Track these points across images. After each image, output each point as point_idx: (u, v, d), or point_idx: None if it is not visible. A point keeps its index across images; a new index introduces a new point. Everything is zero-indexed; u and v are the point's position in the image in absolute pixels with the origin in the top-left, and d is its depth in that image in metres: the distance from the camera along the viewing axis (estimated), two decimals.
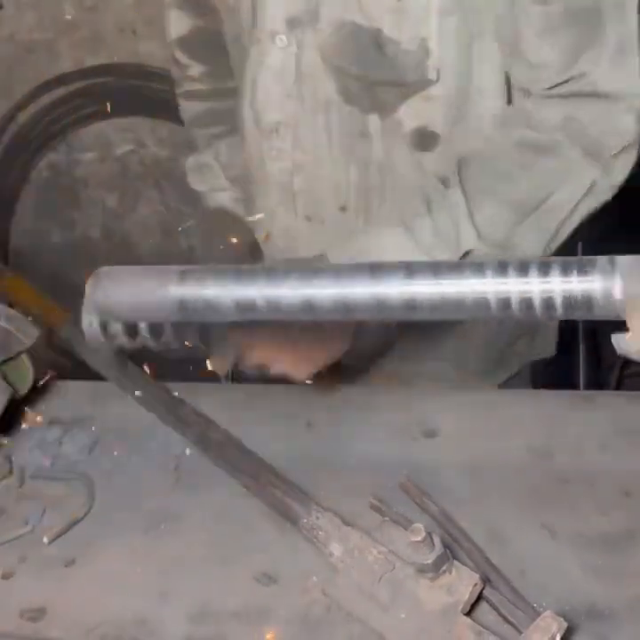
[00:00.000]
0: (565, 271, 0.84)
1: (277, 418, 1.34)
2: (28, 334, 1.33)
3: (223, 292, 0.94)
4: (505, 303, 0.85)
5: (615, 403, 1.31)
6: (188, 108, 1.76)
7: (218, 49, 1.59)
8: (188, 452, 1.29)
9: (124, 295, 0.99)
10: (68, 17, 2.99)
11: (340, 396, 1.38)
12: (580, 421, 1.26)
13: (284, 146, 1.44)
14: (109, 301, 0.99)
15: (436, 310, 0.86)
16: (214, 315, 0.97)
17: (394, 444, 1.27)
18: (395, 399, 1.36)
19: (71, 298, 1.51)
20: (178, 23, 1.67)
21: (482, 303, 0.85)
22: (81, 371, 1.41)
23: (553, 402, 1.32)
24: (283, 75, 1.39)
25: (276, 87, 1.41)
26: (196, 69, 1.70)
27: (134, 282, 1.00)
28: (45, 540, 1.17)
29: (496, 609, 1.00)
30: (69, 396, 1.42)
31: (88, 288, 1.00)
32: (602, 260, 0.84)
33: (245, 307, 0.93)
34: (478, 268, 0.86)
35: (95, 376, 1.44)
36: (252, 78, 1.44)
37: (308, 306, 0.89)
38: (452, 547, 1.07)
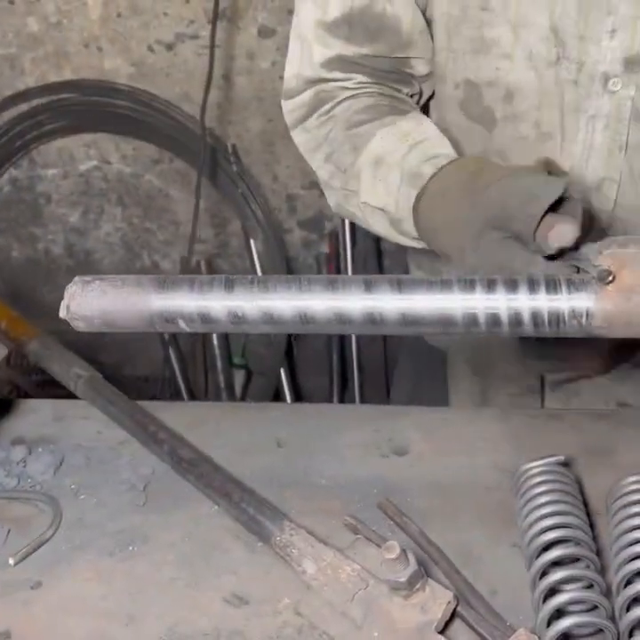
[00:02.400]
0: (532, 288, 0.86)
1: (247, 437, 1.33)
2: None
3: (197, 302, 0.92)
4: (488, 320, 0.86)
5: (582, 420, 1.31)
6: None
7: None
8: (156, 471, 1.26)
9: (102, 306, 0.96)
10: (33, 32, 2.96)
11: (309, 414, 1.38)
12: (547, 439, 1.26)
13: (605, 205, 1.24)
14: (86, 312, 0.96)
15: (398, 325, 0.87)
16: (192, 325, 0.95)
17: (365, 462, 1.27)
18: (364, 417, 1.35)
19: (33, 314, 1.50)
20: (325, 48, 1.37)
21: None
22: (45, 389, 1.38)
23: (521, 420, 1.32)
24: (613, 122, 1.19)
25: (602, 137, 1.20)
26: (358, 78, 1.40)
27: (112, 292, 0.98)
28: (11, 561, 1.14)
29: (471, 627, 0.99)
30: (33, 414, 1.39)
31: (65, 298, 0.97)
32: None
33: (229, 318, 0.91)
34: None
35: (60, 394, 1.42)
36: (561, 126, 1.22)
37: (305, 318, 0.87)
38: (427, 565, 1.06)
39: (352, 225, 3.02)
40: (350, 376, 3.13)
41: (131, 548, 1.16)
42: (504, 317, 0.85)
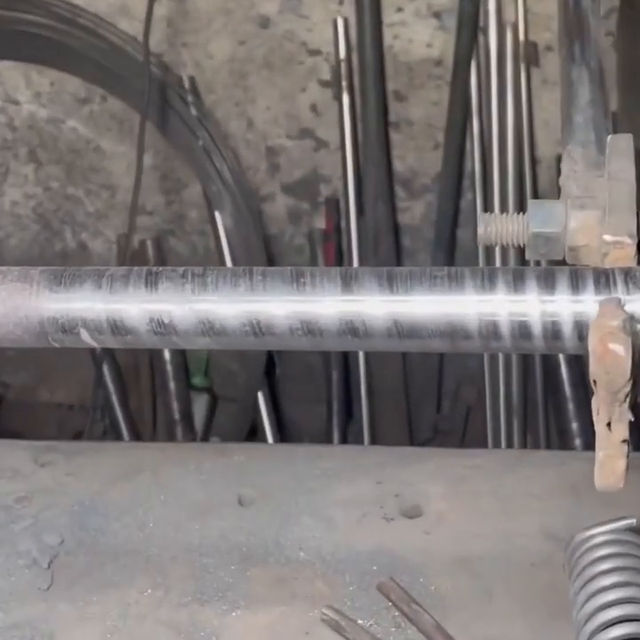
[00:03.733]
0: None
1: (197, 491, 1.34)
2: None
3: (107, 304, 0.91)
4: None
5: None
6: None
7: None
8: (66, 540, 1.27)
9: None
10: None
11: (282, 458, 1.38)
12: (617, 494, 1.27)
13: None
14: None
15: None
16: (100, 337, 0.94)
17: (361, 527, 1.27)
18: (361, 463, 1.36)
19: None
20: None
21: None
22: None
23: (580, 466, 1.33)
24: None
25: None
26: None
27: None
28: None
29: None
30: None
31: None
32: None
33: (151, 326, 0.91)
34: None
35: None
36: None
37: (257, 328, 0.88)
38: None
39: (358, 188, 3.03)
40: (356, 402, 3.13)
41: None
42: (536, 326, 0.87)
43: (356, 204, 3.05)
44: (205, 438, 3.26)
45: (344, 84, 2.99)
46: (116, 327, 0.90)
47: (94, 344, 0.92)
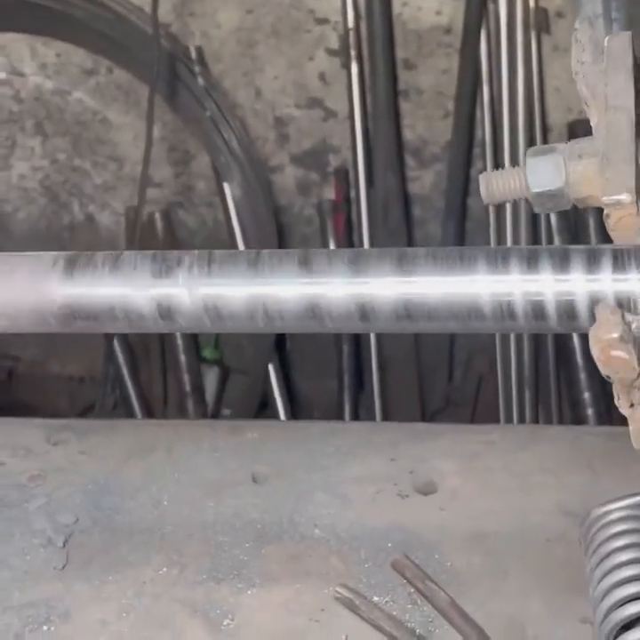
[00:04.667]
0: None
1: (211, 468, 1.34)
2: None
3: (124, 290, 0.92)
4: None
5: None
6: None
7: None
8: (80, 519, 1.28)
9: None
10: None
11: (296, 436, 1.39)
12: (634, 469, 1.26)
13: None
14: None
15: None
16: (112, 325, 0.95)
17: (376, 504, 1.28)
18: (374, 440, 1.36)
19: None
20: None
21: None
22: None
23: (596, 441, 1.33)
24: None
25: None
26: None
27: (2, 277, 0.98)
28: None
29: None
30: None
31: None
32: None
33: (166, 312, 0.92)
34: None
35: None
36: None
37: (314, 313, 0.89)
38: None
39: (367, 158, 3.02)
40: (367, 374, 3.13)
41: (46, 627, 1.17)
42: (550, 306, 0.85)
43: (365, 174, 3.04)
44: (216, 411, 3.27)
45: (352, 52, 2.97)
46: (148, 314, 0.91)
47: (117, 328, 0.93)
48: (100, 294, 0.92)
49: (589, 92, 0.98)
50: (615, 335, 0.83)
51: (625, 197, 0.88)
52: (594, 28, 1.02)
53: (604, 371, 0.85)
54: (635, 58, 0.99)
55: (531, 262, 0.88)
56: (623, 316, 0.84)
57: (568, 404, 3.03)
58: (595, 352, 0.84)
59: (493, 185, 0.98)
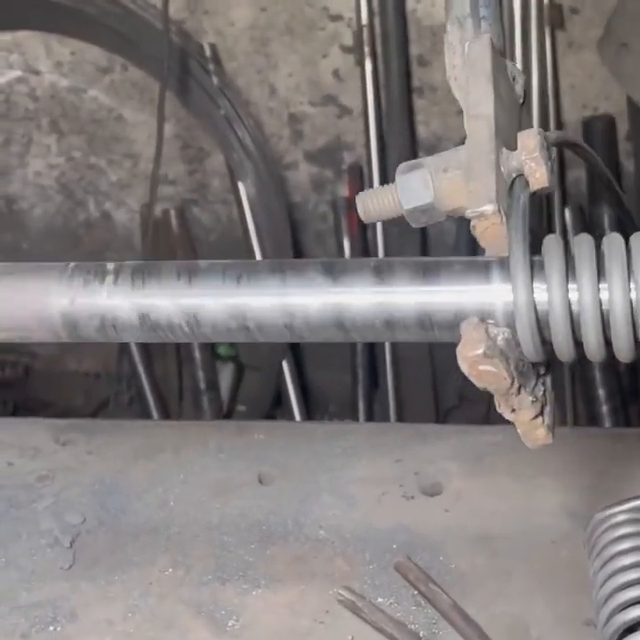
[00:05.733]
0: None
1: (217, 469, 1.35)
2: None
3: (135, 299, 0.93)
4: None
5: None
6: None
7: None
8: (88, 519, 1.28)
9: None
10: None
11: (302, 437, 1.39)
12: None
13: None
14: None
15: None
16: (118, 334, 0.96)
17: (381, 505, 1.28)
18: (381, 441, 1.36)
19: None
20: None
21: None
22: None
23: (603, 443, 1.32)
24: None
25: None
26: None
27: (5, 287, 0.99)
28: None
29: None
30: None
31: None
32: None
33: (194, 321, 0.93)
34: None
35: None
36: None
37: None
38: None
39: (381, 155, 3.01)
40: (381, 370, 3.13)
41: (52, 627, 1.17)
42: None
43: (379, 172, 3.03)
44: (231, 407, 3.28)
45: (366, 49, 2.96)
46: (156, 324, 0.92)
47: (121, 337, 0.93)
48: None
49: (462, 98, 0.99)
50: (479, 352, 0.85)
51: (488, 208, 0.89)
52: (463, 28, 1.01)
53: (477, 384, 0.87)
54: (500, 59, 0.99)
55: (385, 274, 0.90)
56: (487, 331, 0.86)
57: (582, 400, 3.02)
58: (464, 369, 0.87)
59: (369, 204, 0.98)
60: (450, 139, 3.07)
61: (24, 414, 3.10)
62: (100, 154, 3.25)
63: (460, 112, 2.97)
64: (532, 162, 0.91)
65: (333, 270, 0.91)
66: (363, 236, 3.11)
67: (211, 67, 3.01)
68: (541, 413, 0.91)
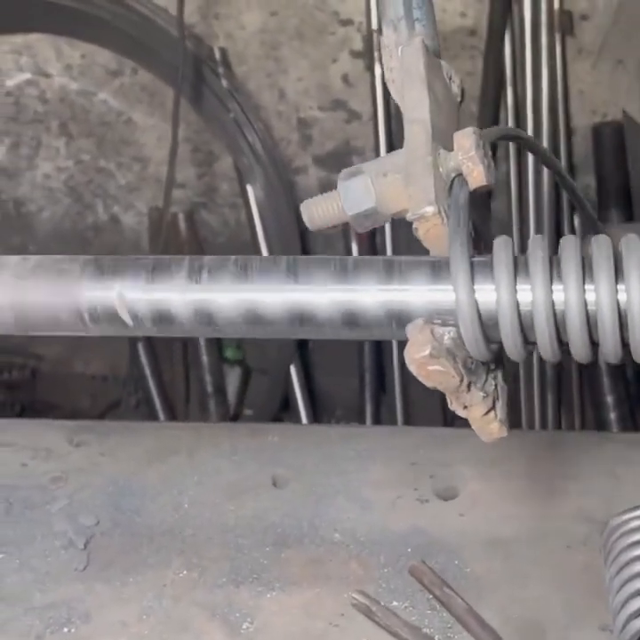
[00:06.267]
0: None
1: (231, 472, 1.35)
2: None
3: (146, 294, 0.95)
4: None
5: None
6: None
7: None
8: (102, 521, 1.28)
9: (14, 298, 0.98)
10: None
11: (316, 439, 1.39)
12: None
13: None
14: None
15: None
16: (133, 328, 0.97)
17: (396, 509, 1.28)
18: (395, 444, 1.36)
19: None
20: None
21: None
22: None
23: (622, 446, 1.32)
24: None
25: None
26: None
27: (23, 279, 0.99)
28: None
29: None
30: None
31: None
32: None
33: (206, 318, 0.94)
34: None
35: None
36: None
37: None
38: None
39: None
40: (389, 374, 3.13)
41: (66, 628, 1.17)
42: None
43: None
44: (238, 411, 3.28)
45: (376, 54, 2.96)
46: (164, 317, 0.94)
47: (136, 331, 0.94)
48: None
49: (399, 101, 0.99)
50: (425, 353, 0.87)
51: (428, 210, 0.90)
52: (398, 31, 1.02)
53: (427, 384, 0.89)
54: (435, 60, 0.99)
55: (345, 272, 0.92)
56: (433, 332, 0.87)
57: (591, 407, 3.01)
58: (413, 370, 0.89)
59: (314, 212, 1.00)
60: None
61: (31, 416, 3.10)
62: (109, 157, 3.25)
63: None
64: (468, 161, 0.92)
65: (297, 268, 0.93)
66: (371, 240, 3.11)
67: (221, 70, 3.01)
68: (493, 408, 0.93)
